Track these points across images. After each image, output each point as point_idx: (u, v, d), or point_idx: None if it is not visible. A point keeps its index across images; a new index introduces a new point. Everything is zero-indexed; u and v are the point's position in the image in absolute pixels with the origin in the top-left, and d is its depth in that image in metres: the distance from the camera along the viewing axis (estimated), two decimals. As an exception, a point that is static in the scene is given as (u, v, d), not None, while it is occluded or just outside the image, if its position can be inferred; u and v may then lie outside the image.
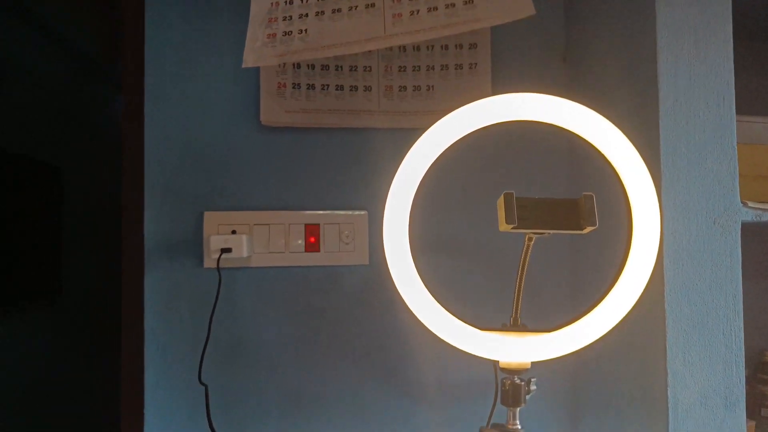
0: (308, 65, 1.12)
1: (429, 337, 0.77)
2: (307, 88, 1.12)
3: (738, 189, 0.85)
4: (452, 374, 1.15)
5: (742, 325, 0.85)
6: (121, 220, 1.13)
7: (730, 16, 0.86)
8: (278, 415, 1.11)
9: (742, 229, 0.85)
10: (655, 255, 0.72)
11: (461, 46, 1.14)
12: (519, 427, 0.79)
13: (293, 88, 1.12)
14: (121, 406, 1.12)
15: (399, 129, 1.14)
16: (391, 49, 1.13)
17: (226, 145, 1.12)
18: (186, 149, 1.11)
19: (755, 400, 1.15)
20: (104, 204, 3.45)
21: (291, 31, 1.01)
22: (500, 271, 1.15)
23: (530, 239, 0.75)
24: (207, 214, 1.10)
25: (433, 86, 1.15)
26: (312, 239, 1.12)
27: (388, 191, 0.78)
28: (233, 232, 1.09)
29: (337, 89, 1.13)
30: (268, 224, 1.11)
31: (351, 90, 1.13)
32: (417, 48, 1.15)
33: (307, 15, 1.00)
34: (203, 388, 1.02)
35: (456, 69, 1.14)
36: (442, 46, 1.15)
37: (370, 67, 1.14)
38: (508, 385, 0.79)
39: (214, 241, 1.05)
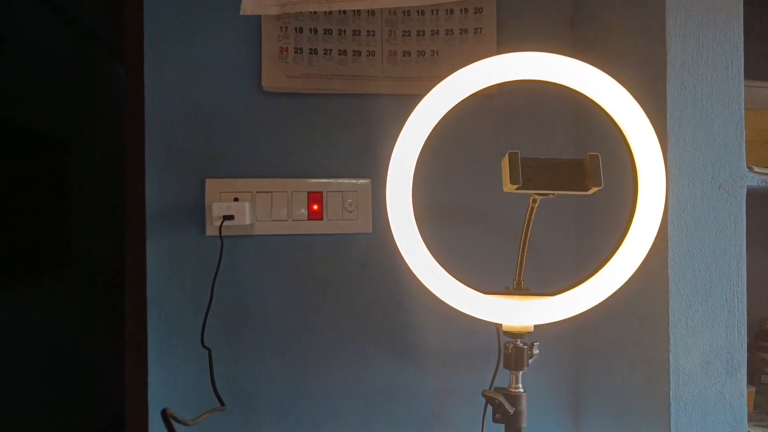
0: (310, 29, 1.11)
1: (433, 303, 0.77)
2: (310, 53, 1.11)
3: (744, 154, 0.85)
4: (456, 340, 1.15)
5: (745, 291, 0.85)
6: (123, 189, 1.13)
7: (740, -21, 0.85)
8: (282, 381, 1.12)
9: (747, 195, 0.85)
10: (660, 219, 0.72)
11: (466, 11, 1.13)
12: (521, 390, 0.79)
13: (295, 52, 1.10)
14: (125, 373, 1.13)
15: (403, 95, 1.13)
16: (395, 13, 1.12)
17: (228, 112, 1.11)
18: (187, 116, 1.10)
19: (755, 367, 1.16)
20: (108, 175, 3.45)
21: None
22: (504, 235, 1.15)
23: (535, 201, 0.75)
24: (209, 182, 1.09)
25: (437, 51, 1.13)
26: (315, 207, 1.12)
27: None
28: (235, 199, 1.09)
29: (340, 54, 1.12)
30: (271, 192, 1.11)
31: (354, 55, 1.12)
32: (421, 12, 1.13)
33: None
34: (207, 355, 1.03)
35: (461, 34, 1.13)
36: (447, 11, 1.13)
37: (373, 31, 1.12)
38: (510, 348, 0.79)
39: (216, 209, 1.05)
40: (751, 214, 0.85)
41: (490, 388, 0.81)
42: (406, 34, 1.13)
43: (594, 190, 0.69)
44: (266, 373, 1.12)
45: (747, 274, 0.85)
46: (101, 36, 3.36)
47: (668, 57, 0.84)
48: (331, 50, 1.11)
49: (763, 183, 0.87)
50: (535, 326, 0.77)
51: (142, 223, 1.10)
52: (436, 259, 0.76)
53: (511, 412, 0.77)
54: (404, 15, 1.13)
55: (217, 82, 1.11)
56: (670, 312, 0.82)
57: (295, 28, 1.10)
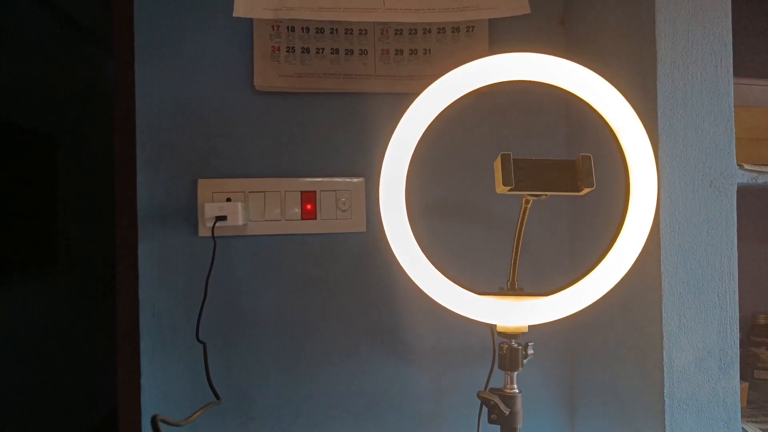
0: (302, 28, 1.10)
1: (427, 302, 0.77)
2: (302, 52, 1.10)
3: (734, 152, 0.85)
4: (450, 339, 1.16)
5: (736, 287, 0.85)
6: (114, 188, 1.12)
7: (728, -23, 0.85)
8: (277, 381, 1.12)
9: (737, 192, 0.85)
10: (652, 217, 0.72)
11: (458, 9, 1.13)
12: (516, 390, 0.79)
13: (287, 51, 1.10)
14: (118, 373, 1.13)
15: (396, 93, 1.13)
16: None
17: (220, 111, 1.11)
18: (179, 115, 1.10)
19: (748, 362, 1.16)
20: (98, 172, 3.44)
21: None
22: (497, 235, 1.15)
23: (527, 202, 0.75)
24: (201, 182, 1.09)
25: (429, 50, 1.13)
26: (309, 207, 1.11)
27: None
28: (228, 199, 1.08)
29: (332, 53, 1.11)
30: (264, 192, 1.10)
31: (346, 54, 1.12)
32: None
33: None
34: (200, 355, 1.02)
35: (453, 32, 1.13)
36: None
37: (365, 30, 1.12)
38: (505, 349, 0.79)
39: (209, 209, 1.04)
40: (741, 211, 0.86)
41: (485, 389, 0.82)
42: (398, 32, 1.12)
43: (586, 190, 0.69)
44: (260, 373, 1.12)
45: (738, 270, 0.85)
46: (92, 32, 3.33)
47: (658, 56, 0.84)
48: (323, 49, 1.11)
49: (753, 180, 0.87)
50: (530, 326, 0.77)
51: (134, 224, 1.09)
52: (429, 260, 0.76)
53: (507, 413, 0.77)
54: (396, 14, 1.13)
55: (209, 81, 1.10)
56: (663, 310, 0.83)
57: (288, 27, 1.10)
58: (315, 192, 1.11)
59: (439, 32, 1.13)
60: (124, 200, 1.12)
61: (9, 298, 2.68)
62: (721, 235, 0.85)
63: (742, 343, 1.11)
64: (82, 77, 3.37)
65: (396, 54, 1.12)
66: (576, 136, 1.14)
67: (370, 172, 1.14)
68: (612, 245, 0.74)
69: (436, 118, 0.76)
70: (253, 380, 1.12)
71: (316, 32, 1.11)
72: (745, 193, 0.89)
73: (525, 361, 0.79)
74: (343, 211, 1.12)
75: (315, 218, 1.12)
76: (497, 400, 0.77)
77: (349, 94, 1.13)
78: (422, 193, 1.14)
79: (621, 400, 0.97)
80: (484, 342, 1.14)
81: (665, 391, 0.83)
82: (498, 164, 0.70)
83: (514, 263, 0.79)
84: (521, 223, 0.78)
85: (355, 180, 1.13)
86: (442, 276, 0.76)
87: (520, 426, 0.78)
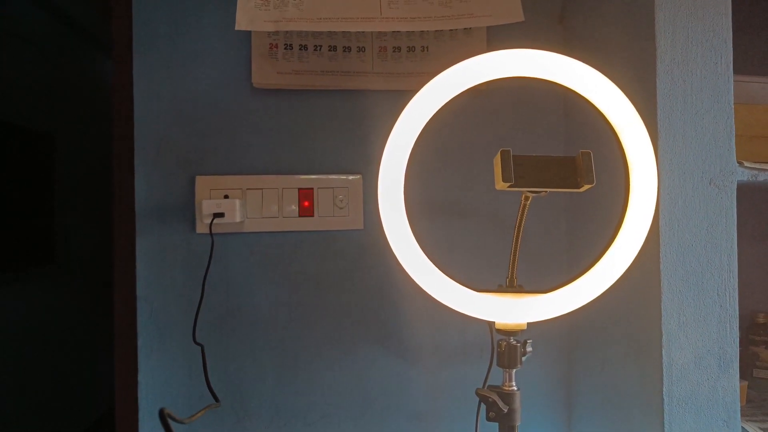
0: (300, 25, 1.10)
1: (425, 300, 0.77)
2: (300, 49, 1.10)
3: (734, 149, 0.85)
4: (448, 337, 1.15)
5: (736, 285, 0.85)
6: (111, 186, 1.12)
7: (728, -25, 0.85)
8: (274, 379, 1.12)
9: (737, 190, 0.85)
10: (652, 215, 0.72)
11: (456, 6, 1.12)
12: (515, 388, 0.79)
13: (285, 48, 1.09)
14: (115, 371, 1.12)
15: (393, 91, 1.12)
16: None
17: (218, 108, 1.10)
18: (177, 113, 1.09)
19: (747, 361, 1.16)
20: (96, 170, 3.43)
21: None
22: (496, 232, 1.15)
23: (527, 198, 0.74)
24: (199, 179, 1.08)
25: (427, 47, 1.13)
26: (306, 204, 1.11)
27: (382, 154, 0.76)
28: (225, 196, 1.08)
29: (330, 50, 1.11)
30: (261, 189, 1.10)
31: (344, 51, 1.11)
32: (411, 7, 1.12)
33: None
34: (197, 352, 1.02)
35: (451, 30, 1.12)
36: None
37: (363, 27, 1.12)
38: (503, 346, 0.79)
39: (206, 206, 1.04)
40: (741, 209, 0.85)
41: (483, 387, 0.81)
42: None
43: (586, 187, 0.69)
44: (258, 370, 1.11)
45: (738, 268, 0.85)
46: (90, 31, 3.33)
47: (657, 52, 0.84)
48: (321, 46, 1.10)
49: (753, 177, 0.87)
50: (528, 324, 0.76)
51: (132, 221, 1.09)
52: (428, 256, 0.76)
53: (505, 410, 0.76)
54: (394, 10, 1.12)
55: (206, 79, 1.10)
56: (662, 308, 0.83)
57: (285, 24, 1.09)
58: (312, 189, 1.11)
59: (437, 30, 1.12)
60: (121, 198, 1.11)
61: (7, 296, 2.68)
62: (720, 233, 0.84)
63: (742, 342, 1.10)
64: (80, 75, 3.36)
65: (394, 51, 1.12)
66: (575, 134, 1.14)
67: (367, 170, 1.13)
68: (611, 242, 0.73)
69: (435, 115, 0.76)
70: (250, 377, 1.11)
71: (314, 29, 1.10)
72: (745, 191, 0.89)
73: (523, 358, 0.79)
74: (341, 208, 1.12)
75: (312, 215, 1.11)
76: (495, 397, 0.77)
77: (346, 91, 1.13)
78: (421, 190, 1.14)
79: (619, 398, 0.97)
80: (481, 339, 1.14)
81: (664, 389, 0.83)
82: (497, 160, 0.69)
83: (513, 260, 0.79)
84: (520, 220, 0.77)
85: (352, 177, 1.12)
86: (441, 273, 0.75)
87: (518, 423, 0.78)
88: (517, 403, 0.78)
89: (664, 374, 0.82)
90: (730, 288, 0.84)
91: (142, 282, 1.09)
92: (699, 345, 0.84)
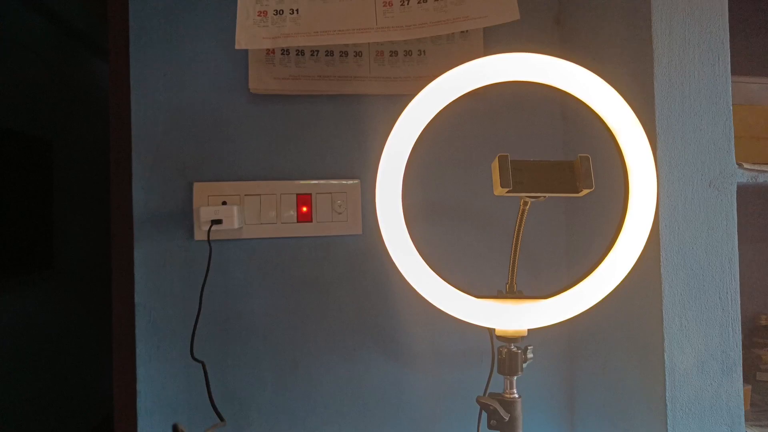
0: (296, 30, 1.10)
1: (424, 305, 0.76)
2: (297, 54, 1.09)
3: (733, 150, 0.85)
4: (448, 343, 1.15)
5: (738, 288, 0.84)
6: (109, 192, 1.12)
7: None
8: (273, 385, 1.11)
9: (737, 191, 0.84)
10: (652, 218, 0.71)
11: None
12: (516, 395, 0.78)
13: (282, 54, 1.09)
14: (114, 379, 1.12)
15: (390, 95, 1.12)
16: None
17: (215, 114, 1.10)
18: (174, 119, 1.09)
19: (751, 364, 1.15)
20: (94, 176, 3.43)
21: (282, 10, 1.00)
22: (496, 238, 1.14)
23: (526, 203, 0.74)
24: (197, 185, 1.08)
25: (424, 51, 1.12)
26: (304, 209, 1.10)
27: (380, 159, 0.76)
28: (223, 203, 1.07)
29: (327, 55, 1.10)
30: (259, 195, 1.09)
31: (341, 55, 1.11)
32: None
33: None
34: (197, 361, 1.01)
35: (448, 34, 1.12)
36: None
37: (359, 31, 1.11)
38: (504, 353, 0.78)
39: (204, 213, 1.03)
40: (742, 211, 0.85)
41: (484, 394, 0.81)
42: (393, 33, 1.12)
43: (585, 192, 0.69)
44: (257, 376, 1.11)
45: (740, 270, 0.84)
46: (87, 37, 3.33)
47: (655, 54, 0.83)
48: (317, 51, 1.10)
49: (754, 179, 0.86)
50: (529, 330, 0.76)
51: (130, 228, 1.08)
52: (426, 262, 0.75)
53: (506, 418, 0.76)
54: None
55: (204, 85, 1.09)
56: (663, 312, 0.82)
57: (281, 29, 1.09)
58: (310, 194, 1.10)
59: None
60: (119, 204, 1.10)
61: (6, 301, 2.68)
62: (721, 236, 0.84)
63: (744, 345, 1.10)
64: (78, 81, 3.36)
65: (391, 55, 1.12)
66: (573, 137, 1.13)
67: (365, 175, 1.13)
68: (611, 247, 0.73)
69: (432, 120, 0.75)
70: (249, 384, 1.10)
71: (311, 34, 1.10)
72: (745, 193, 0.88)
73: (524, 365, 0.78)
74: (339, 213, 1.11)
75: (311, 221, 1.11)
76: (497, 405, 0.76)
77: (344, 95, 1.12)
78: (419, 196, 1.13)
79: (622, 404, 0.96)
80: (481, 344, 1.14)
81: (667, 395, 0.82)
82: (495, 166, 0.69)
83: (513, 266, 0.78)
84: (519, 226, 0.77)
85: (350, 182, 1.12)
86: (440, 279, 0.75)
87: (520, 432, 0.77)
88: (519, 411, 0.77)
89: (667, 379, 0.82)
90: (731, 291, 0.84)
91: (141, 289, 1.08)
92: (701, 349, 0.83)
